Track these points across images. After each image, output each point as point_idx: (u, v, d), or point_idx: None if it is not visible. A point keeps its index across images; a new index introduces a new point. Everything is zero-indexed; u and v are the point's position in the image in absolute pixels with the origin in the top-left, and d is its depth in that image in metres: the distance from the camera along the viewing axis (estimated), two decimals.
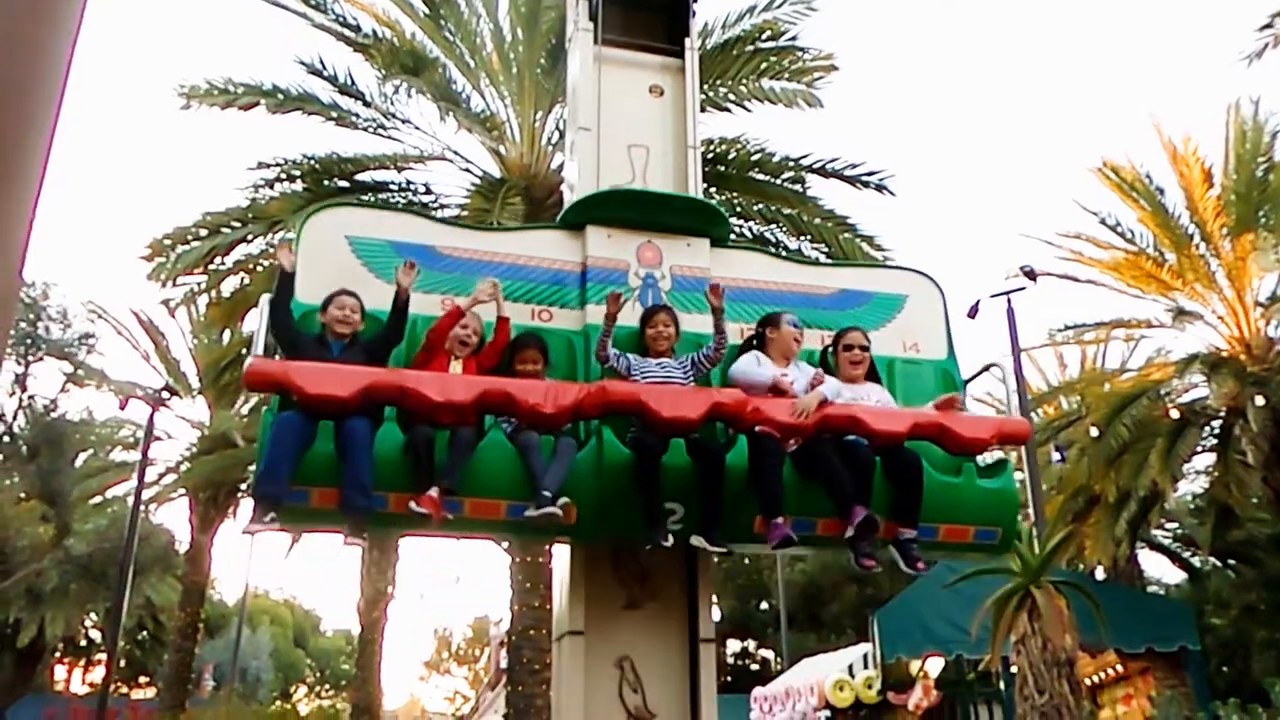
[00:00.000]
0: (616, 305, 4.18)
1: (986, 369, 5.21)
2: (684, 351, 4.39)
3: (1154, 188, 16.78)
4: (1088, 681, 12.56)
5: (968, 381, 5.04)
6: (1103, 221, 17.18)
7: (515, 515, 3.83)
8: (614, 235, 4.64)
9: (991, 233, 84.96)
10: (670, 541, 3.83)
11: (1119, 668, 14.93)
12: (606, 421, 4.04)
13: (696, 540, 3.94)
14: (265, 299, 4.04)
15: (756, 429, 3.98)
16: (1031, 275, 13.85)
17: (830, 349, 4.69)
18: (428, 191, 12.91)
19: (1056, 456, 18.71)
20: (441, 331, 4.17)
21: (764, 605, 32.62)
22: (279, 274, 4.13)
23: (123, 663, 27.08)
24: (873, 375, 4.63)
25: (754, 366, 4.37)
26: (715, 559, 4.23)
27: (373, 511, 3.71)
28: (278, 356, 4.03)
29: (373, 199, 12.60)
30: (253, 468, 3.96)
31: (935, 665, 17.68)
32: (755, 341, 4.57)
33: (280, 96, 11.94)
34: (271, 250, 12.20)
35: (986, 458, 4.60)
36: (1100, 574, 20.11)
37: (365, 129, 12.67)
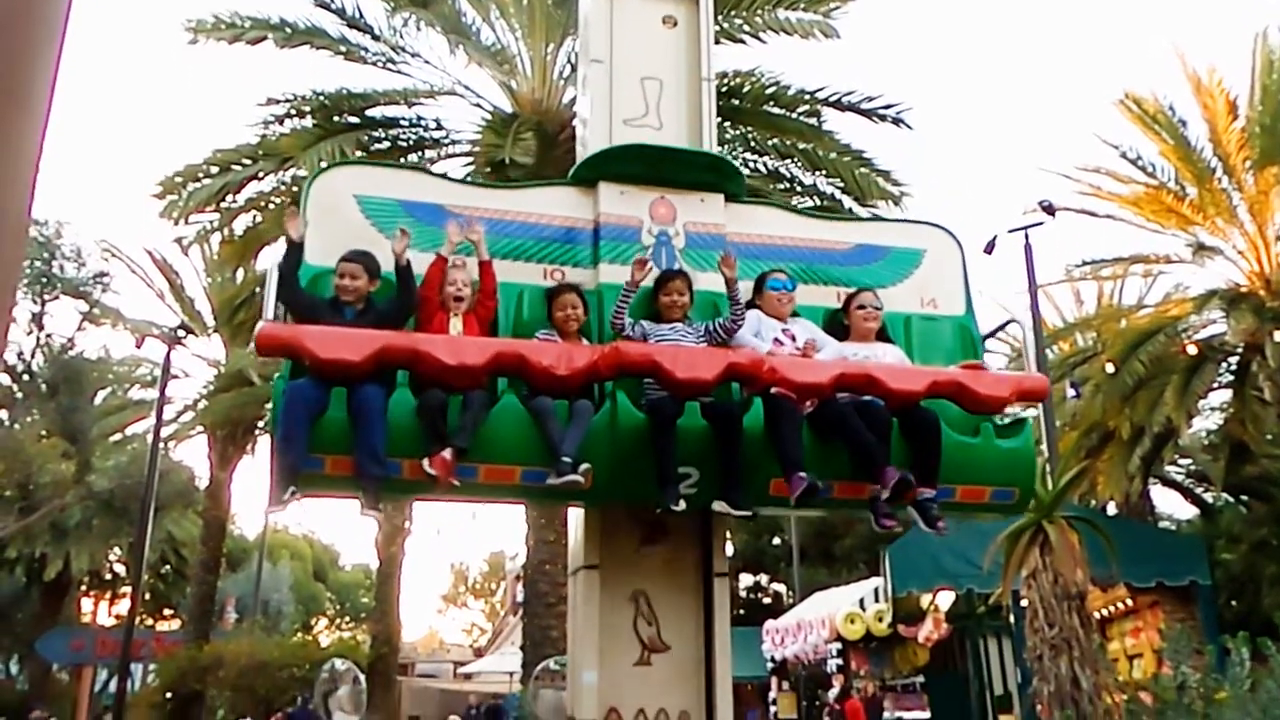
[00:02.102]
0: (642, 272, 4.11)
1: (1005, 325, 5.16)
2: (699, 311, 4.34)
3: (1176, 120, 16.46)
4: (1096, 615, 12.66)
5: (986, 337, 4.99)
6: (1123, 155, 16.90)
7: (530, 481, 3.81)
8: (627, 192, 4.55)
9: (1010, 167, 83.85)
10: (684, 505, 3.79)
11: (1128, 601, 15.06)
12: (620, 384, 4.00)
13: (719, 506, 3.91)
14: (273, 265, 3.95)
15: (773, 390, 3.92)
16: (1050, 210, 13.68)
17: (842, 310, 4.64)
18: (439, 127, 12.78)
19: (1071, 393, 18.66)
20: (432, 285, 4.09)
21: (776, 540, 32.96)
22: (286, 242, 4.03)
23: (147, 596, 27.61)
24: (884, 336, 4.57)
25: (755, 324, 4.33)
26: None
27: (388, 479, 3.69)
28: (289, 321, 3.96)
29: (383, 136, 12.49)
30: (269, 405, 3.94)
31: (946, 599, 17.89)
32: (754, 305, 4.51)
33: (288, 30, 11.79)
34: (283, 188, 12.16)
35: (1005, 416, 4.55)
36: (1112, 509, 20.19)
37: (374, 64, 12.51)
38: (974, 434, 4.28)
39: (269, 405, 4.01)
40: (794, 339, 4.33)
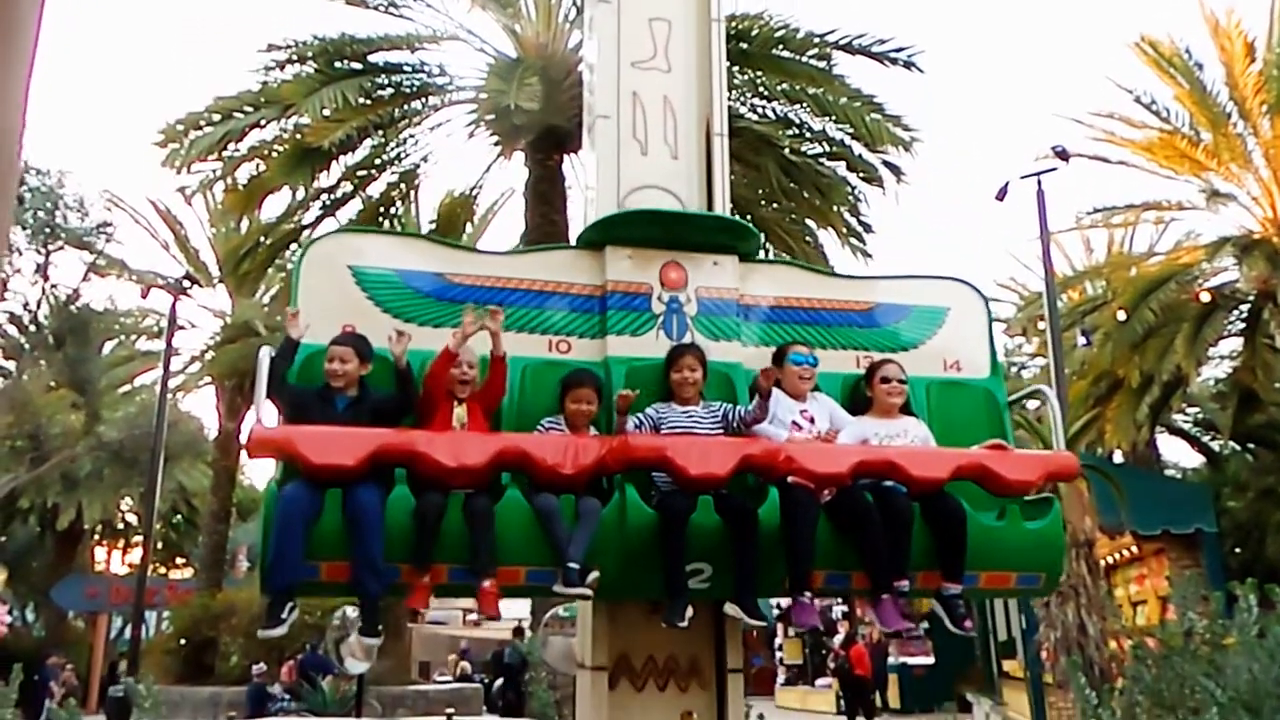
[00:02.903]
0: (626, 403, 3.82)
1: (1029, 396, 4.98)
2: (713, 387, 4.15)
3: (1192, 63, 16.20)
4: (1102, 563, 12.73)
5: (1011, 403, 4.78)
6: (1138, 99, 16.67)
7: (536, 581, 3.67)
8: (635, 256, 4.34)
9: (1023, 113, 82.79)
10: (689, 617, 3.62)
11: (1134, 549, 15.12)
12: (629, 477, 3.82)
13: (732, 610, 3.79)
14: (265, 352, 3.72)
15: (789, 479, 3.77)
16: (1064, 156, 13.50)
17: (865, 380, 4.42)
18: (442, 73, 12.61)
19: (1082, 340, 18.58)
20: (438, 377, 3.86)
21: None
22: (285, 339, 3.82)
23: (159, 545, 27.92)
24: (906, 407, 4.37)
25: (773, 406, 4.07)
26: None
27: (387, 589, 3.58)
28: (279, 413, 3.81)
29: (386, 82, 12.32)
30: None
31: None
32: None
33: None
34: (285, 135, 12.03)
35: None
36: (1118, 458, 20.21)
37: (377, 8, 12.32)
38: (999, 515, 4.10)
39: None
40: (813, 421, 4.14)
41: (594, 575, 3.54)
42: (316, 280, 4.10)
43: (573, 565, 3.52)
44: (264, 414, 3.62)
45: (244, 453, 24.07)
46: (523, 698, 13.69)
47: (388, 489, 3.63)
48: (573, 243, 4.62)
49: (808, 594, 3.68)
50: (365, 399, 3.87)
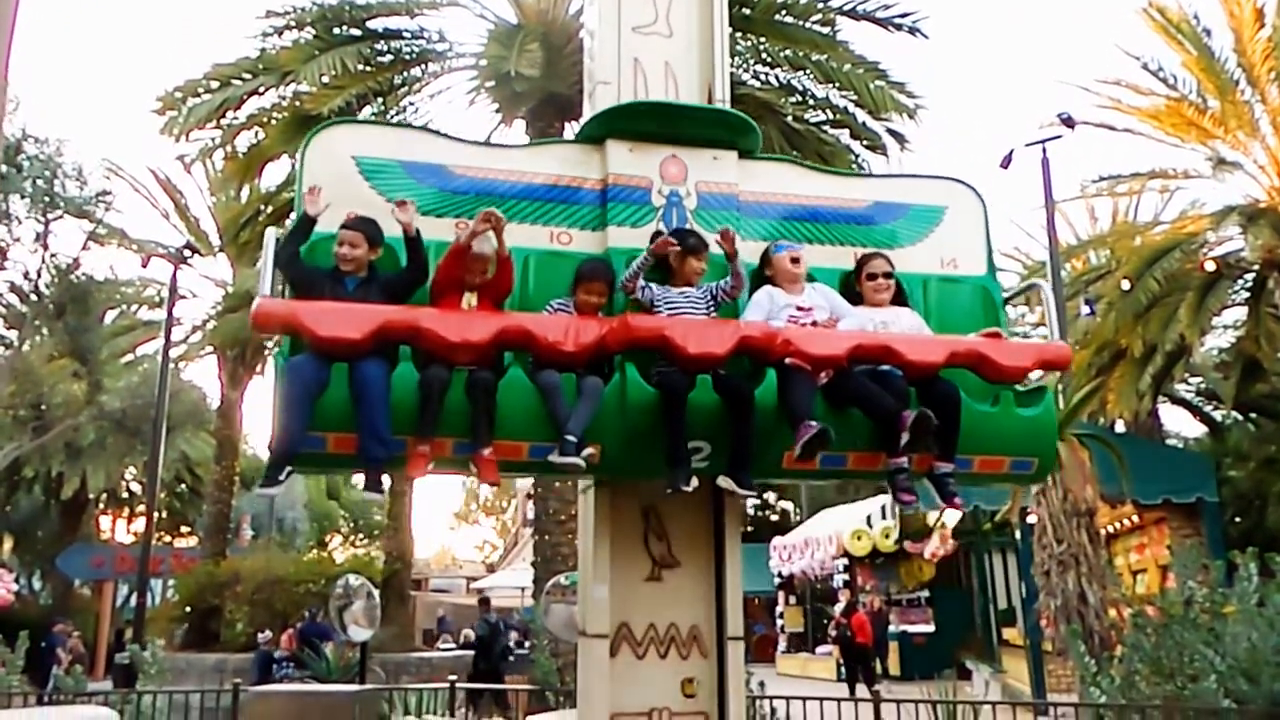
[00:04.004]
0: (664, 249, 3.97)
1: (1026, 290, 5.01)
2: (711, 276, 4.20)
3: (1200, 30, 16.03)
4: (1103, 532, 12.79)
5: (1007, 300, 4.85)
6: (1144, 66, 16.54)
7: (538, 456, 3.74)
8: (636, 149, 4.35)
9: (1028, 79, 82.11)
10: (694, 484, 3.71)
11: (1134, 518, 15.17)
12: (629, 357, 3.87)
13: (724, 482, 3.85)
14: (271, 233, 3.80)
15: (787, 361, 3.82)
16: (1069, 123, 13.40)
17: (853, 275, 4.48)
18: (442, 39, 12.49)
19: (1085, 310, 18.54)
20: (449, 271, 3.94)
21: None
22: (301, 215, 3.88)
23: (164, 514, 28.10)
24: (900, 299, 4.43)
25: (767, 304, 4.19)
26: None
27: (391, 459, 3.62)
28: (286, 293, 3.85)
29: (385, 48, 12.22)
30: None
31: (952, 516, 18.03)
32: (764, 279, 4.35)
33: None
34: (284, 102, 11.95)
35: (1025, 383, 4.42)
36: (1121, 427, 20.23)
37: None
38: (993, 402, 4.16)
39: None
40: (810, 312, 4.17)
41: (590, 450, 3.63)
42: (320, 170, 4.12)
43: (570, 437, 3.60)
44: (268, 288, 3.69)
45: (243, 422, 24.04)
46: (496, 669, 13.82)
47: (393, 365, 3.70)
48: (574, 137, 4.62)
49: (811, 421, 3.69)
50: (374, 278, 3.93)
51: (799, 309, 4.19)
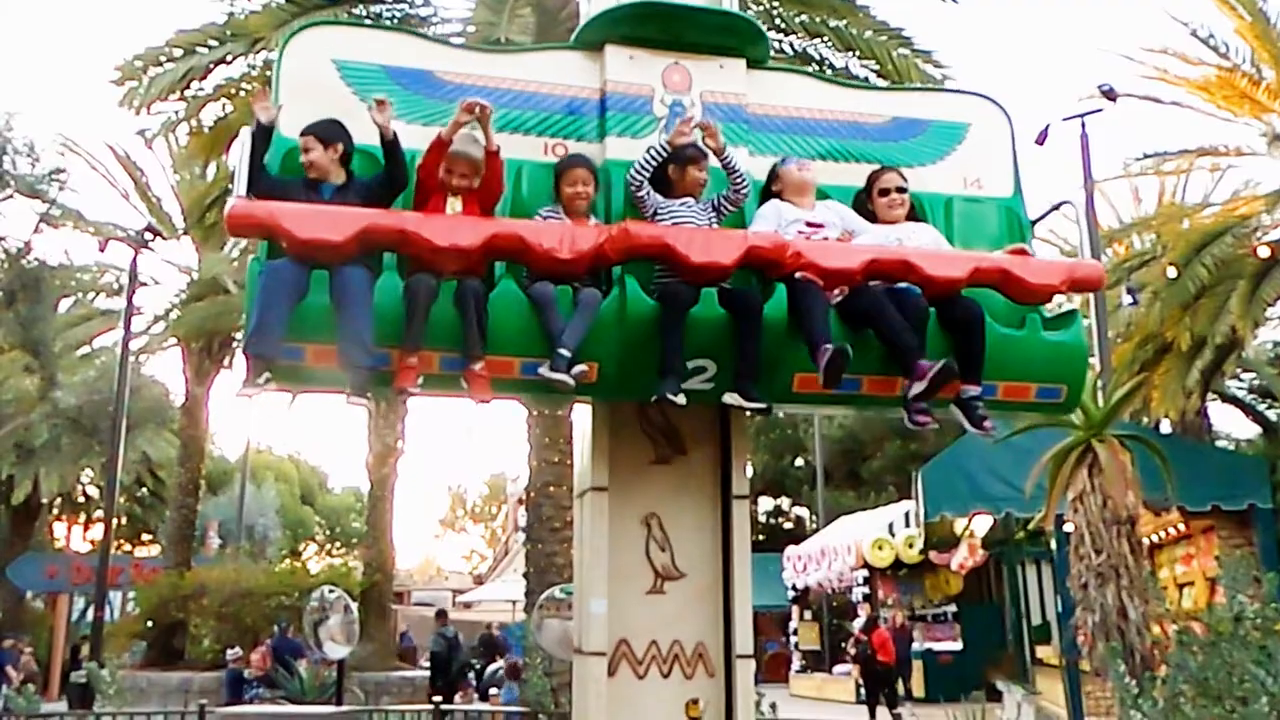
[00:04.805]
0: (688, 131, 4.07)
1: (1057, 207, 5.03)
2: (715, 189, 4.26)
3: None
4: (1146, 541, 12.80)
5: (1035, 221, 4.88)
6: (1194, 33, 16.46)
7: (530, 374, 3.79)
8: (636, 56, 4.41)
9: (1066, 47, 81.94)
10: (683, 400, 3.75)
11: (1180, 526, 15.17)
12: (630, 269, 3.93)
13: (731, 397, 3.87)
14: (245, 133, 3.88)
15: (797, 275, 3.85)
16: (1111, 95, 13.39)
17: (864, 193, 4.52)
18: (426, 4, 12.49)
19: (1128, 299, 18.52)
20: (430, 167, 4.02)
21: (799, 461, 33.27)
22: (255, 124, 3.91)
23: (123, 520, 28.16)
24: (913, 217, 4.48)
25: (775, 218, 4.23)
26: (750, 414, 4.17)
27: (375, 370, 3.66)
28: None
29: (364, 14, 12.21)
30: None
31: (982, 524, 18.06)
32: (772, 194, 4.41)
33: None
34: (253, 72, 11.94)
35: (1053, 307, 4.47)
36: (1166, 427, 20.23)
37: None
38: (1019, 326, 4.20)
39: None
40: (820, 228, 4.23)
41: (582, 368, 3.68)
42: (298, 75, 4.18)
43: (563, 351, 3.66)
44: (243, 191, 3.72)
45: (209, 421, 24.05)
46: (453, 686, 13.93)
47: (376, 274, 3.74)
48: (570, 41, 4.65)
49: (829, 344, 3.73)
50: (352, 184, 3.99)
51: (809, 224, 4.24)
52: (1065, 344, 4.23)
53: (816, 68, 12.48)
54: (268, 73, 11.62)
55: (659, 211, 4.11)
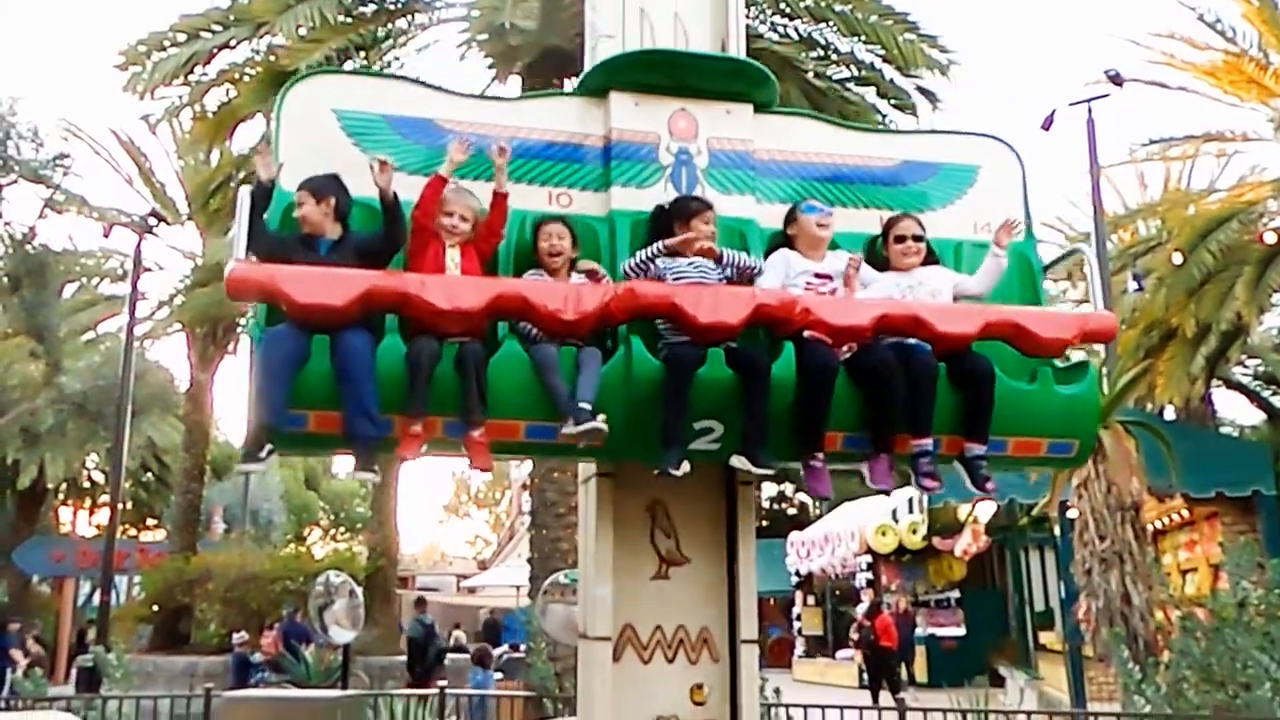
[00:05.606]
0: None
1: (1068, 255, 5.02)
2: (721, 240, 4.17)
3: None
4: (1150, 527, 12.81)
5: (1047, 268, 4.82)
6: (1201, 18, 16.41)
7: (536, 437, 3.74)
8: (642, 103, 4.33)
9: (1072, 32, 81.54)
10: (686, 469, 3.69)
11: (1184, 513, 15.18)
12: (635, 329, 3.85)
13: (738, 461, 3.79)
14: (245, 192, 3.76)
15: (806, 334, 3.80)
16: (1117, 80, 13.33)
17: (880, 238, 4.46)
18: None
19: (1133, 285, 18.50)
20: (427, 208, 3.94)
21: None
22: (255, 182, 3.84)
23: (128, 505, 28.22)
24: (931, 260, 4.41)
25: (783, 268, 4.17)
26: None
27: (382, 439, 3.61)
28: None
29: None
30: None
31: (986, 510, 18.10)
32: (785, 239, 4.34)
33: None
34: (257, 57, 11.93)
35: (1066, 358, 4.40)
36: (1170, 413, 20.22)
37: None
38: (1030, 378, 4.15)
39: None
40: (829, 280, 4.18)
41: (603, 416, 3.58)
42: (298, 125, 4.11)
43: (584, 405, 3.58)
44: (243, 252, 3.64)
45: (214, 407, 24.05)
46: (430, 673, 14.04)
47: (378, 337, 3.69)
48: (574, 88, 4.59)
49: (821, 456, 3.76)
50: (349, 240, 3.93)
51: (817, 275, 4.19)
52: (1078, 397, 4.16)
53: (822, 52, 12.46)
54: (271, 57, 11.65)
55: (666, 275, 4.00)
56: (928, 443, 3.87)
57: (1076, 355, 4.40)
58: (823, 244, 4.29)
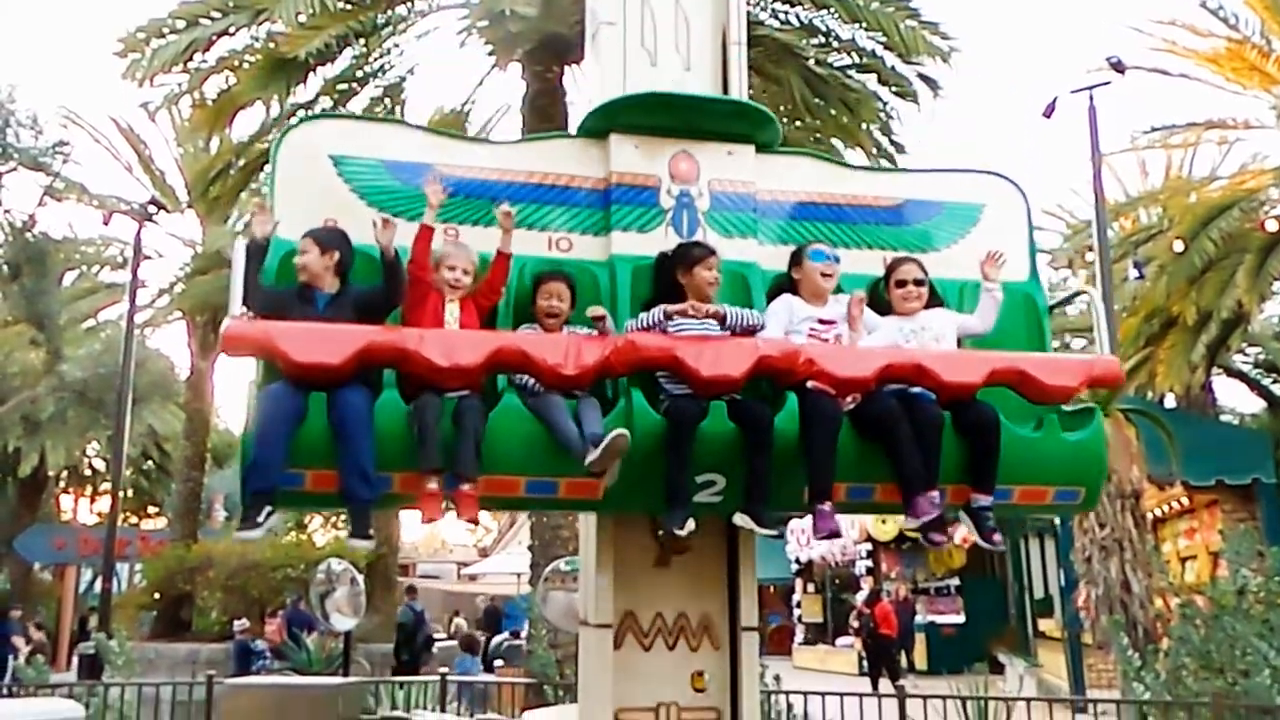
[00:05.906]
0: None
1: (1073, 298, 4.99)
2: (726, 286, 4.12)
3: None
4: (1150, 515, 12.83)
5: (1052, 309, 4.80)
6: (1203, 4, 16.35)
7: (535, 493, 3.74)
8: (642, 145, 4.29)
9: (1074, 19, 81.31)
10: (692, 528, 3.67)
11: (1184, 500, 15.21)
12: (635, 381, 3.82)
13: (741, 520, 3.79)
14: (240, 244, 3.72)
15: (809, 385, 3.77)
16: (1119, 68, 13.31)
17: (882, 282, 4.40)
18: None
19: (1134, 273, 18.49)
20: (420, 260, 3.87)
21: None
22: (251, 239, 3.78)
23: (129, 493, 28.25)
24: (935, 301, 4.36)
25: (786, 315, 4.12)
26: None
27: (379, 499, 3.60)
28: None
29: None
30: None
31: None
32: (788, 282, 4.28)
33: None
34: (257, 44, 11.89)
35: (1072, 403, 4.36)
36: (1170, 402, 20.23)
37: None
38: (1036, 425, 4.13)
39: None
40: (833, 325, 4.15)
41: (619, 431, 3.54)
42: (294, 171, 4.08)
43: (598, 433, 3.56)
44: (239, 308, 3.61)
45: (215, 395, 24.02)
46: (417, 659, 14.09)
47: (376, 393, 3.65)
48: (574, 131, 4.57)
49: (829, 505, 3.71)
50: (347, 293, 3.88)
51: (820, 321, 4.14)
52: (1084, 443, 4.12)
53: (823, 39, 12.41)
54: (270, 44, 11.61)
55: (668, 329, 3.94)
56: (934, 494, 3.80)
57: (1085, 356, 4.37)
58: (826, 292, 4.23)
